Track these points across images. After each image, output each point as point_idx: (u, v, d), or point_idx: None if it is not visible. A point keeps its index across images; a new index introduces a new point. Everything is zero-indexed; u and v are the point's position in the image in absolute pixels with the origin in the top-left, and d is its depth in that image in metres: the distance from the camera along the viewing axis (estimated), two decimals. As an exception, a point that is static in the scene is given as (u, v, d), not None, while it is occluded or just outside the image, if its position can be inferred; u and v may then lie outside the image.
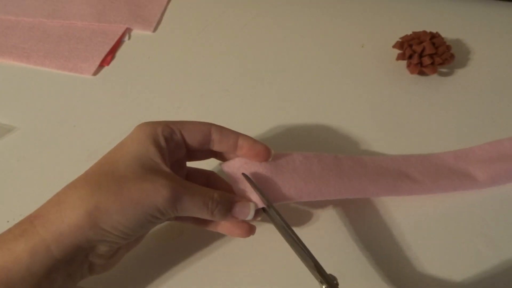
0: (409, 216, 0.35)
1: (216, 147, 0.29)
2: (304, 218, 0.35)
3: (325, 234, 0.34)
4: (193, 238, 0.33)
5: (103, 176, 0.25)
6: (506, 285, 0.31)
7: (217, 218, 0.27)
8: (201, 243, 0.33)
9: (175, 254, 0.32)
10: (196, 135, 0.28)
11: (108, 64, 0.48)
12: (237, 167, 0.30)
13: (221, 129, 0.29)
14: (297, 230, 0.28)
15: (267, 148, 0.30)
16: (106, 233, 0.24)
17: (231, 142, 0.29)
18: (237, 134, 0.29)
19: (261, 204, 0.28)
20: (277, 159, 0.31)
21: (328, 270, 0.26)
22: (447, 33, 0.48)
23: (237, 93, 0.45)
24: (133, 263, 0.32)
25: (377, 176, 0.34)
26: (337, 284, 0.25)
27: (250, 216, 0.28)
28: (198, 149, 0.29)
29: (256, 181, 0.29)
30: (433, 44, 0.44)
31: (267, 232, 0.32)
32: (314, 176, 0.31)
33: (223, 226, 0.30)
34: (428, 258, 0.32)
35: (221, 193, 0.28)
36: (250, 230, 0.29)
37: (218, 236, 0.33)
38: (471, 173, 0.36)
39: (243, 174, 0.29)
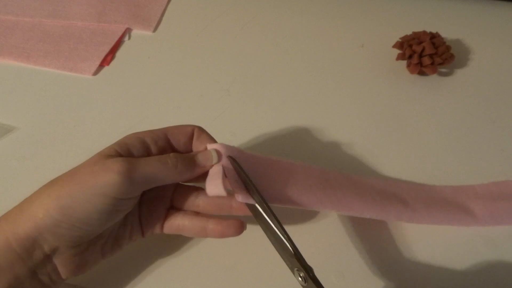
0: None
1: (193, 145, 0.30)
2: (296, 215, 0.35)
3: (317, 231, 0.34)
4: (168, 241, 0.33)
5: (65, 173, 0.26)
6: (506, 285, 0.31)
7: (184, 173, 0.27)
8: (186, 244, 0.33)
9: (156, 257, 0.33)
10: (181, 137, 0.29)
11: (108, 64, 0.48)
12: (224, 152, 0.29)
13: (202, 131, 0.30)
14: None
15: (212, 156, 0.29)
16: (58, 223, 0.24)
17: (203, 144, 0.29)
18: (212, 140, 0.30)
19: (244, 190, 0.28)
20: (262, 161, 0.31)
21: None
22: (447, 33, 0.48)
23: (237, 93, 0.45)
24: (127, 263, 0.32)
25: (365, 194, 0.32)
26: (313, 275, 0.25)
27: (214, 160, 0.28)
28: (185, 151, 0.29)
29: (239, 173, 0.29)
30: (433, 44, 0.44)
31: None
32: (297, 183, 0.31)
33: (214, 230, 0.29)
34: (427, 258, 0.32)
35: (176, 153, 0.28)
36: (241, 226, 0.29)
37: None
38: (469, 208, 0.34)
39: (229, 157, 0.29)
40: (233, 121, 0.42)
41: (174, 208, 0.31)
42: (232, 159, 0.29)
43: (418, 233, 0.34)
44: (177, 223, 0.30)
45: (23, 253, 0.25)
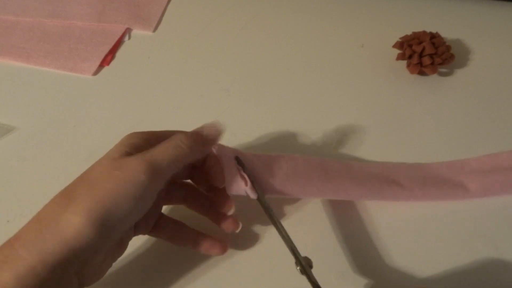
0: (408, 218, 0.35)
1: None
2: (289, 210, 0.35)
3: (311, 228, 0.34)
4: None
5: (76, 184, 0.25)
6: (506, 285, 0.31)
7: (198, 150, 0.27)
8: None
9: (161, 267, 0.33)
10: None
11: (108, 64, 0.48)
12: (229, 153, 0.31)
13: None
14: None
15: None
16: (93, 237, 0.23)
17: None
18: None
19: (250, 188, 0.29)
20: (263, 157, 0.33)
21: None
22: (447, 33, 0.48)
23: (237, 93, 0.45)
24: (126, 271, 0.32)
25: (362, 179, 0.34)
26: (311, 266, 0.27)
27: (222, 130, 0.29)
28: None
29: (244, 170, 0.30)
30: (433, 44, 0.44)
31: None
32: (298, 174, 0.33)
33: (205, 244, 0.31)
34: (428, 258, 0.32)
35: (183, 132, 0.28)
36: (235, 223, 0.31)
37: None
38: (463, 183, 0.35)
39: (237, 157, 0.31)
40: (233, 121, 0.42)
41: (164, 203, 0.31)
42: (239, 160, 0.31)
43: (419, 233, 0.34)
44: (167, 230, 0.31)
45: (54, 281, 0.22)
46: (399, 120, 0.42)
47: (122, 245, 0.28)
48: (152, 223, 0.30)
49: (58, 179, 0.37)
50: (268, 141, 0.40)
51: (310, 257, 0.27)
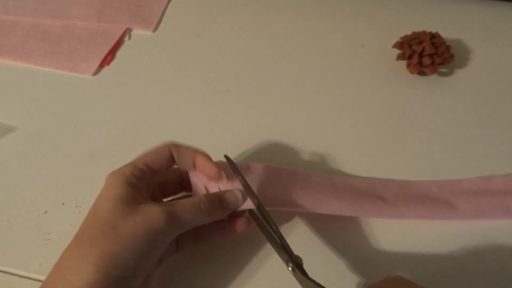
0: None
1: (178, 163, 0.30)
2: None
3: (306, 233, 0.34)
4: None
5: (93, 229, 0.25)
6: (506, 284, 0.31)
7: (215, 214, 0.28)
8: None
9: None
10: (160, 159, 0.29)
11: (108, 64, 0.48)
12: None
13: (178, 147, 0.30)
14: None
15: (215, 171, 0.30)
16: (118, 279, 0.24)
17: (188, 159, 0.30)
18: (194, 152, 0.30)
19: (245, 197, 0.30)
20: (254, 168, 0.34)
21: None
22: (447, 33, 0.48)
23: (237, 93, 0.45)
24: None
25: (344, 193, 0.34)
26: (301, 264, 0.27)
27: (240, 200, 0.29)
28: (166, 170, 0.30)
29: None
30: (433, 44, 0.44)
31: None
32: (278, 185, 0.33)
33: (223, 230, 0.31)
34: (429, 257, 0.32)
35: (205, 194, 0.29)
36: (248, 221, 0.31)
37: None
38: (453, 203, 0.34)
39: (226, 156, 0.31)
40: (233, 121, 0.42)
41: None
42: (228, 159, 0.31)
43: (420, 232, 0.34)
44: (189, 236, 0.31)
45: None
46: (399, 120, 0.42)
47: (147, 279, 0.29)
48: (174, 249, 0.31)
49: (58, 179, 0.37)
50: (267, 141, 0.40)
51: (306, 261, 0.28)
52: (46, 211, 0.35)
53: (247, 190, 0.30)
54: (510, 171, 0.38)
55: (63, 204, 0.35)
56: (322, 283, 0.26)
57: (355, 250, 0.33)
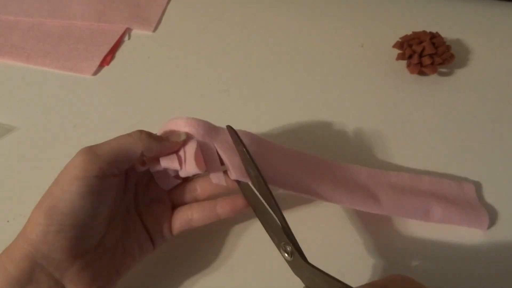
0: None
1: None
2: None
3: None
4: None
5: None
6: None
7: (151, 144, 0.27)
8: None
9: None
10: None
11: (108, 64, 0.48)
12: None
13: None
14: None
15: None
16: (47, 228, 0.24)
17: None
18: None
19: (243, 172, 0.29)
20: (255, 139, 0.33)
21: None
22: (447, 33, 0.48)
23: (237, 93, 0.45)
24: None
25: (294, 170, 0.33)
26: (299, 247, 0.26)
27: (182, 136, 0.29)
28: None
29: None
30: (433, 44, 0.44)
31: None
32: (279, 164, 0.32)
33: (224, 207, 0.30)
34: (431, 255, 0.32)
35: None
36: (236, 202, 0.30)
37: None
38: (377, 195, 0.34)
39: (228, 126, 0.30)
40: (233, 121, 0.42)
41: (175, 207, 0.31)
42: (231, 128, 0.30)
43: (420, 230, 0.34)
44: (184, 217, 0.30)
45: (22, 276, 0.24)
46: (399, 120, 0.42)
47: (126, 257, 0.28)
48: (167, 221, 0.30)
49: (58, 179, 0.37)
50: (268, 141, 0.40)
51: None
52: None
53: (247, 162, 0.28)
54: (510, 171, 0.38)
55: (63, 204, 0.35)
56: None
57: (358, 244, 0.33)
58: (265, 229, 0.28)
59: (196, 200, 0.31)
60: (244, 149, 0.28)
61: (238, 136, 0.29)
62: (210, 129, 0.31)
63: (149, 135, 0.28)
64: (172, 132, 0.30)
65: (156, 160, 0.29)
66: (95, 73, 0.47)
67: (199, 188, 0.31)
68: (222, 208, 0.30)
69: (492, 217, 0.35)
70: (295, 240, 0.26)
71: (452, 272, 0.32)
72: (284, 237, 0.26)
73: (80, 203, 0.24)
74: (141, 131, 0.28)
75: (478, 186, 0.37)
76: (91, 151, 0.25)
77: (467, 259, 0.32)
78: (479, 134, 0.41)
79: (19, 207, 0.35)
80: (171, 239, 0.31)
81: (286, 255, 0.26)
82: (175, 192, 0.32)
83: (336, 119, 0.42)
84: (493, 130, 0.41)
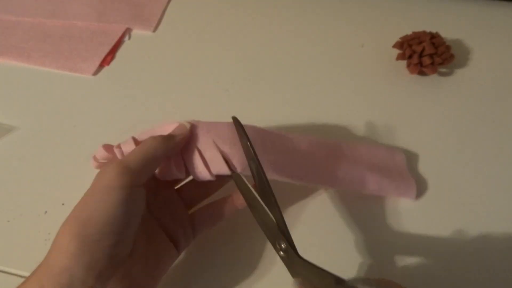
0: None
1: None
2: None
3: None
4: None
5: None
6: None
7: (167, 145, 0.28)
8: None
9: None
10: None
11: (108, 64, 0.48)
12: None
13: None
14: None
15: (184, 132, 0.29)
16: (84, 239, 0.23)
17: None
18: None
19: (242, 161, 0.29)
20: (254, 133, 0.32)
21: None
22: (447, 33, 0.48)
23: (237, 93, 0.45)
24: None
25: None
26: (293, 245, 0.26)
27: (187, 125, 0.29)
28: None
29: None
30: (433, 44, 0.44)
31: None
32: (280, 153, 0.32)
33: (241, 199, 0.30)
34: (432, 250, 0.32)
35: (152, 136, 0.28)
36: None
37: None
38: (316, 165, 0.33)
39: (234, 117, 0.30)
40: (233, 121, 0.42)
41: (188, 204, 0.32)
42: (236, 120, 0.30)
43: (421, 224, 0.34)
44: (204, 217, 0.31)
45: None
46: (399, 120, 0.42)
47: (156, 264, 0.28)
48: (186, 223, 0.31)
49: (58, 179, 0.37)
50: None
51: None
52: (46, 211, 0.35)
53: (249, 155, 0.28)
54: (511, 171, 0.38)
55: (63, 204, 0.35)
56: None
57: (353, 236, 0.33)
58: (259, 224, 0.28)
59: (207, 192, 0.32)
60: (248, 143, 0.28)
61: (243, 129, 0.29)
62: (203, 124, 0.31)
63: (162, 137, 0.28)
64: (177, 127, 0.30)
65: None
66: (95, 73, 0.47)
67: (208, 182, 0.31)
68: (239, 199, 0.31)
69: (422, 186, 0.36)
70: (289, 235, 0.26)
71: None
72: (278, 233, 0.26)
73: (118, 212, 0.24)
74: (155, 136, 0.28)
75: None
76: (122, 164, 0.26)
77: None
78: (479, 134, 0.41)
79: (19, 207, 0.35)
80: (192, 241, 0.31)
81: (280, 252, 0.26)
82: (185, 189, 0.32)
83: (336, 118, 0.42)
84: (493, 130, 0.41)
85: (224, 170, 0.28)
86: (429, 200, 0.36)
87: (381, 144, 0.38)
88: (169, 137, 0.28)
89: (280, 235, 0.26)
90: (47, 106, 0.44)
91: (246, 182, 0.28)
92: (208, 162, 0.29)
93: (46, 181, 0.37)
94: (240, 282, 0.32)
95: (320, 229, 0.34)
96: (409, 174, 0.36)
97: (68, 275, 0.23)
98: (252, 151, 0.28)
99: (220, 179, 0.30)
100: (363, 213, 0.35)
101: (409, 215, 0.35)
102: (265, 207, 0.27)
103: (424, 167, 0.38)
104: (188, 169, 0.29)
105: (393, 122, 0.42)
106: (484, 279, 0.31)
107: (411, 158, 0.39)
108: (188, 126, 0.30)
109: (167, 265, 0.29)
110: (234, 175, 0.29)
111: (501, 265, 0.32)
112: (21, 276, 0.31)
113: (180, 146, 0.29)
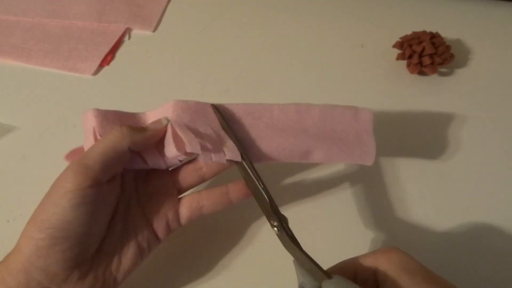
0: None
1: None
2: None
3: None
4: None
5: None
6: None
7: (136, 137, 0.27)
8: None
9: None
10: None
11: (108, 64, 0.48)
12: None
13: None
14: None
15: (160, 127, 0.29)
16: (40, 242, 0.24)
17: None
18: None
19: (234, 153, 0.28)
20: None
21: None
22: (447, 33, 0.48)
23: (237, 93, 0.45)
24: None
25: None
26: (287, 224, 0.27)
27: (164, 121, 0.29)
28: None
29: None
30: (433, 44, 0.44)
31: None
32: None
33: (236, 191, 0.30)
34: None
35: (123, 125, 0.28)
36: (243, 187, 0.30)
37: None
38: (259, 136, 0.31)
39: (213, 105, 0.30)
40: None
41: (182, 191, 0.31)
42: (215, 107, 0.30)
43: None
44: (194, 205, 0.30)
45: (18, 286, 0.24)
46: (399, 120, 0.42)
47: (139, 248, 0.28)
48: (172, 211, 0.30)
49: (58, 179, 0.37)
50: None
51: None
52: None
53: (233, 140, 0.28)
54: (511, 170, 0.38)
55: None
56: (306, 249, 0.25)
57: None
58: (259, 205, 0.28)
59: (203, 179, 0.31)
60: (228, 128, 0.28)
61: (222, 115, 0.29)
62: (200, 108, 0.30)
63: (131, 128, 0.27)
64: (155, 119, 0.30)
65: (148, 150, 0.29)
66: (95, 73, 0.47)
67: (205, 167, 0.30)
68: (235, 192, 0.30)
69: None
70: (282, 216, 0.27)
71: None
72: (272, 213, 0.27)
73: (73, 215, 0.24)
74: (121, 127, 0.27)
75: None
76: (80, 164, 0.25)
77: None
78: (479, 134, 0.41)
79: (19, 207, 0.35)
80: (178, 229, 0.30)
81: (275, 228, 0.26)
82: (179, 174, 0.30)
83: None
84: (493, 130, 0.41)
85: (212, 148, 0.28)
86: (429, 200, 0.36)
87: (343, 104, 0.33)
88: (138, 130, 0.27)
89: (274, 215, 0.27)
90: (47, 106, 0.44)
91: (247, 167, 0.28)
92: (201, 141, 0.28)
93: (46, 181, 0.37)
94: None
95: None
96: (371, 136, 0.33)
97: (25, 274, 0.24)
98: (234, 136, 0.28)
99: (214, 165, 0.29)
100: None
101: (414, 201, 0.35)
102: (260, 188, 0.27)
103: (424, 167, 0.38)
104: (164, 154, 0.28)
105: (393, 121, 0.42)
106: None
107: (411, 157, 0.39)
108: (165, 122, 0.29)
109: (139, 260, 0.28)
110: (238, 164, 0.29)
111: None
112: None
113: (150, 141, 0.28)
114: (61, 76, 0.47)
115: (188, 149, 0.27)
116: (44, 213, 0.24)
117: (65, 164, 0.27)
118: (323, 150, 0.30)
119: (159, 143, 0.29)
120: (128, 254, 0.27)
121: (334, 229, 0.34)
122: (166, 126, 0.29)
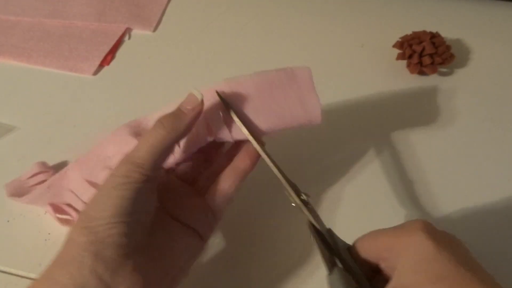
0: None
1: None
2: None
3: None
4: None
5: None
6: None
7: (177, 126, 0.27)
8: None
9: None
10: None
11: (108, 64, 0.48)
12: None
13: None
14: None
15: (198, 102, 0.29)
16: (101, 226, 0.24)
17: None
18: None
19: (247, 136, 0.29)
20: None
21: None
22: (447, 33, 0.48)
23: (237, 93, 0.45)
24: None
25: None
26: (308, 201, 0.28)
27: (199, 96, 0.28)
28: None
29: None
30: (433, 44, 0.44)
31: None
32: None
33: (244, 159, 0.30)
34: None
35: (162, 116, 0.27)
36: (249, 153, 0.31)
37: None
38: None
39: (218, 93, 0.30)
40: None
41: (195, 184, 0.31)
42: (220, 96, 0.30)
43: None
44: (221, 191, 0.30)
45: (72, 282, 0.23)
46: (399, 120, 0.42)
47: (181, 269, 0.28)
48: (211, 217, 0.30)
49: (58, 179, 0.37)
50: (267, 141, 0.40)
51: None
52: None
53: (244, 122, 0.29)
54: (511, 171, 0.38)
55: (63, 204, 0.35)
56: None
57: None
58: (281, 180, 0.28)
59: (206, 162, 0.32)
60: (232, 112, 0.29)
61: (226, 102, 0.30)
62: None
63: (168, 118, 0.27)
64: (185, 99, 0.29)
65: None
66: (95, 73, 0.47)
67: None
68: (243, 161, 0.30)
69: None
70: (298, 189, 0.28)
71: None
72: (292, 191, 0.28)
73: (123, 206, 0.24)
74: (160, 121, 0.27)
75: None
76: (132, 163, 0.25)
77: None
78: (478, 134, 0.41)
79: (19, 207, 0.35)
80: (216, 225, 0.30)
81: (299, 202, 0.27)
82: (183, 170, 0.32)
83: (336, 118, 0.42)
84: (493, 130, 0.41)
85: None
86: (429, 201, 0.36)
87: (275, 69, 0.32)
88: (176, 116, 0.27)
89: (291, 189, 0.27)
90: (47, 106, 0.44)
91: (258, 148, 0.29)
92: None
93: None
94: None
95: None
96: (313, 92, 0.32)
97: (77, 263, 0.23)
98: (238, 120, 0.29)
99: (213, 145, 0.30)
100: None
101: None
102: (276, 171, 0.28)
103: (424, 167, 0.38)
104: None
105: (393, 121, 0.42)
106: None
107: (411, 157, 0.39)
108: (199, 97, 0.28)
109: (190, 261, 0.28)
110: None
111: None
112: (21, 276, 0.31)
113: (192, 124, 0.28)
114: (61, 76, 0.47)
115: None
116: (95, 206, 0.24)
117: (64, 165, 0.28)
118: (265, 123, 0.30)
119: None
120: (177, 255, 0.27)
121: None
122: (201, 100, 0.28)
